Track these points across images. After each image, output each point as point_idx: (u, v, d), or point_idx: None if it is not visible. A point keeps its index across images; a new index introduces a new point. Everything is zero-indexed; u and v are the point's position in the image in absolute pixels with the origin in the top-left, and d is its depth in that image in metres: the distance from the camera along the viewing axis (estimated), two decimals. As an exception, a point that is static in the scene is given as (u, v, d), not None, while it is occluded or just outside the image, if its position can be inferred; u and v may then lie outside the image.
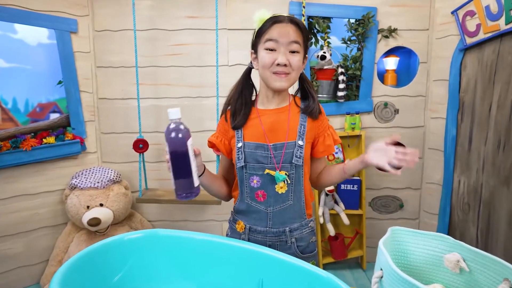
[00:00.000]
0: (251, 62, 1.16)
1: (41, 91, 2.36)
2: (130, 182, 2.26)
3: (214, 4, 1.97)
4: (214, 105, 2.02)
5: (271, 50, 1.04)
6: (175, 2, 2.16)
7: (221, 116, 1.20)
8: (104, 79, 2.22)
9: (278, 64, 1.04)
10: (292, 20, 1.05)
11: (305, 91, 1.17)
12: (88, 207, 1.98)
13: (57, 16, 2.03)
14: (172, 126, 0.91)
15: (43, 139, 2.03)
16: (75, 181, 2.04)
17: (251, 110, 1.15)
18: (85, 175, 2.09)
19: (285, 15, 1.06)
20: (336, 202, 2.26)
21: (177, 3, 2.16)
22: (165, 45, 2.19)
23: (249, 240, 1.16)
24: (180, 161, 0.88)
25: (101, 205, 2.01)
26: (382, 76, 2.32)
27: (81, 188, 2.02)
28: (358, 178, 2.26)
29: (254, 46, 1.11)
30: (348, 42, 2.24)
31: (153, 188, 2.22)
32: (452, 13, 2.04)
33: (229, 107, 1.17)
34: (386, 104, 2.26)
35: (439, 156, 2.21)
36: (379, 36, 2.19)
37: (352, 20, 2.19)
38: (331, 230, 2.22)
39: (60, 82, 2.18)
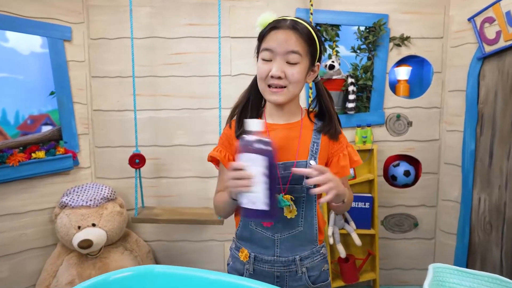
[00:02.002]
0: None
1: (33, 102, 2.23)
2: (126, 199, 2.12)
3: (216, 11, 1.86)
4: (216, 117, 1.89)
5: (267, 60, 0.93)
6: (175, 9, 2.05)
7: (226, 125, 1.08)
8: (99, 90, 2.09)
9: (272, 76, 0.92)
10: (293, 27, 0.91)
11: (322, 106, 1.03)
12: (79, 227, 1.83)
13: (50, 23, 1.91)
14: (259, 139, 0.82)
15: (32, 154, 1.89)
16: (66, 199, 1.89)
17: (259, 116, 1.03)
18: (77, 192, 1.94)
19: (289, 18, 0.93)
20: (346, 221, 2.10)
21: (178, 10, 2.05)
22: (164, 54, 2.07)
23: (254, 271, 1.03)
24: (273, 176, 0.81)
25: (94, 225, 1.85)
26: (393, 87, 2.20)
27: (72, 207, 1.87)
28: (370, 195, 2.11)
29: (257, 50, 0.99)
30: (358, 51, 2.12)
31: (150, 206, 2.06)
32: (468, 20, 1.92)
33: (235, 116, 1.05)
34: (398, 116, 2.13)
35: (456, 171, 2.07)
36: (391, 44, 2.08)
37: (362, 28, 2.08)
38: (341, 252, 2.06)
39: (52, 93, 2.05)
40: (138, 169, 1.92)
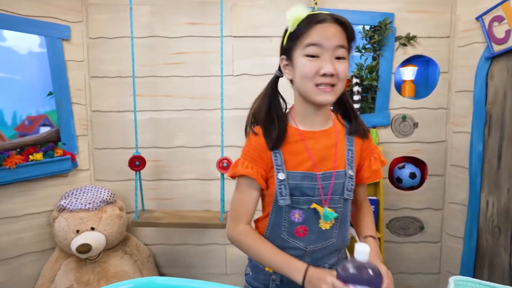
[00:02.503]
0: (279, 70, 0.97)
1: (31, 103, 2.18)
2: (126, 202, 2.07)
3: (218, 9, 1.82)
4: (218, 118, 1.85)
5: (314, 56, 0.85)
6: (176, 8, 2.01)
7: (247, 134, 0.98)
8: (99, 90, 2.05)
9: (323, 75, 0.84)
10: (337, 19, 0.85)
11: (345, 107, 0.97)
12: (78, 231, 1.78)
13: (48, 22, 1.87)
14: (368, 269, 0.71)
15: (30, 156, 1.84)
16: (64, 202, 1.84)
17: (287, 128, 0.94)
18: (76, 195, 1.90)
19: (326, 12, 0.86)
20: (351, 224, 2.05)
21: (179, 8, 2.01)
22: (165, 54, 2.03)
23: (281, 281, 0.97)
24: None
25: (93, 229, 1.81)
26: (399, 87, 2.15)
27: (71, 210, 1.82)
28: (375, 198, 2.07)
29: (287, 51, 0.91)
30: (363, 51, 2.07)
31: (150, 210, 2.02)
32: (476, 19, 1.88)
33: (254, 124, 0.96)
34: (404, 117, 2.09)
35: (463, 173, 2.02)
36: (397, 44, 2.03)
37: (367, 27, 2.04)
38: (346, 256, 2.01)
39: (50, 93, 2.01)
40: (138, 172, 1.87)
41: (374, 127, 2.05)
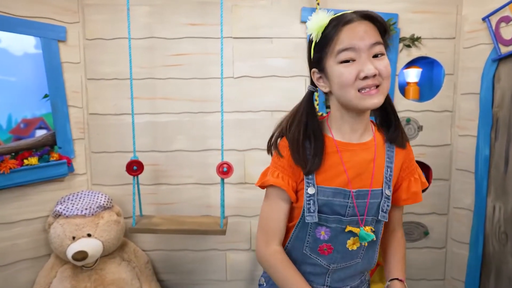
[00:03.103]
0: (312, 85, 0.90)
1: (27, 105, 2.13)
2: (123, 207, 2.02)
3: (218, 10, 1.77)
4: (218, 121, 1.80)
5: (348, 61, 0.79)
6: (175, 8, 1.96)
7: (273, 151, 0.91)
8: (96, 93, 2.00)
9: (365, 77, 0.78)
10: (365, 15, 0.80)
11: (387, 111, 0.89)
12: (73, 238, 1.73)
13: (43, 23, 1.82)
14: None
15: (24, 160, 1.79)
16: (60, 208, 1.79)
17: (325, 142, 0.87)
18: (72, 200, 1.85)
19: (350, 11, 0.81)
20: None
21: (178, 9, 1.96)
22: (163, 55, 1.98)
23: None
24: None
25: (89, 235, 1.76)
26: (402, 90, 2.11)
27: (66, 216, 1.77)
28: (379, 203, 2.02)
29: (317, 63, 0.85)
30: (366, 52, 2.03)
31: (149, 215, 1.97)
32: (483, 19, 1.84)
33: (282, 140, 0.89)
34: (408, 120, 2.04)
35: (469, 178, 1.97)
36: (401, 45, 1.99)
37: (371, 28, 1.99)
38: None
39: (46, 96, 1.96)
40: (136, 177, 1.82)
41: (377, 131, 2.01)
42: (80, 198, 1.87)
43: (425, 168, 2.11)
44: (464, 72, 1.99)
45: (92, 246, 1.72)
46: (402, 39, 1.98)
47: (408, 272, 2.14)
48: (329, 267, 0.89)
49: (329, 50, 0.80)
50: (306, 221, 0.86)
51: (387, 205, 0.87)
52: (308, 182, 0.85)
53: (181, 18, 1.96)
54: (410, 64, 2.05)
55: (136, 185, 1.85)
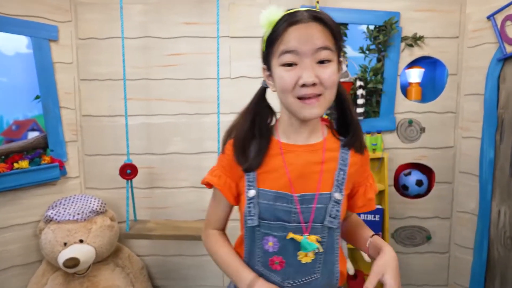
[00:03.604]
0: (264, 81, 0.84)
1: (18, 107, 2.08)
2: (118, 211, 1.97)
3: (215, 8, 1.71)
4: (214, 123, 1.74)
5: (291, 65, 0.73)
6: (170, 7, 1.90)
7: (222, 149, 0.88)
8: (89, 94, 1.94)
9: (304, 85, 0.72)
10: (315, 17, 0.72)
11: (344, 113, 0.84)
12: (65, 244, 1.68)
13: (34, 22, 1.76)
14: None
15: (15, 164, 1.74)
16: (51, 213, 1.73)
17: (270, 143, 0.83)
18: (64, 205, 1.79)
19: (304, 9, 0.74)
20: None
21: (173, 7, 1.90)
22: (159, 55, 1.92)
23: None
24: None
25: (81, 241, 1.70)
26: (404, 90, 2.05)
27: (58, 221, 1.72)
28: (380, 207, 1.96)
29: (266, 59, 0.79)
30: (367, 52, 1.97)
31: (143, 220, 1.91)
32: (488, 18, 1.78)
33: (232, 139, 0.85)
34: (411, 122, 1.98)
35: (473, 181, 1.92)
36: (403, 44, 1.93)
37: (371, 27, 1.93)
38: (349, 268, 1.91)
39: (37, 97, 1.90)
40: (130, 180, 1.77)
41: (379, 132, 1.95)
42: (73, 202, 1.82)
43: (428, 171, 2.06)
44: (468, 72, 1.93)
45: (84, 252, 1.67)
46: (404, 38, 1.92)
47: (410, 277, 2.09)
48: (284, 284, 0.81)
49: (275, 49, 0.75)
50: (247, 225, 0.81)
51: (336, 210, 0.79)
52: (249, 185, 0.81)
53: (176, 17, 1.91)
54: (412, 64, 2.00)
55: (130, 189, 1.79)
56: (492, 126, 1.81)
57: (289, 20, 0.72)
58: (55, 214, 1.73)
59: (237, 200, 0.87)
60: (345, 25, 1.94)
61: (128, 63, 1.78)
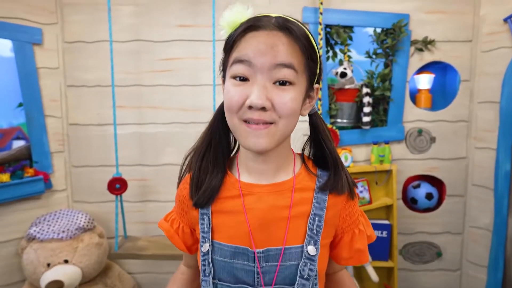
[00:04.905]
0: None
1: (2, 114, 1.96)
2: (108, 225, 1.84)
3: (211, 10, 1.60)
4: (210, 134, 1.62)
5: (242, 79, 0.59)
6: (163, 8, 1.78)
7: (178, 183, 0.74)
8: (76, 101, 1.82)
9: (250, 107, 0.57)
10: (283, 26, 0.58)
11: (320, 148, 0.67)
12: (48, 264, 1.55)
13: (15, 24, 1.64)
14: None
15: (-6, 177, 1.61)
16: (34, 231, 1.61)
17: (225, 178, 0.67)
18: (48, 221, 1.67)
19: (274, 15, 0.61)
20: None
21: (166, 9, 1.78)
22: (151, 60, 1.80)
23: None
24: None
25: (66, 261, 1.58)
26: (413, 97, 1.93)
27: (41, 240, 1.59)
28: (387, 222, 1.84)
29: (223, 68, 0.66)
30: (374, 56, 1.85)
31: (134, 237, 1.79)
32: (504, 20, 1.66)
33: (187, 170, 0.71)
34: (420, 131, 1.86)
35: (487, 195, 1.80)
36: (412, 48, 1.81)
37: (379, 30, 1.81)
38: (355, 288, 1.79)
39: (20, 105, 1.77)
40: (119, 196, 1.64)
41: (386, 143, 1.83)
42: (58, 218, 1.69)
43: (438, 184, 1.93)
44: (482, 78, 1.81)
45: (69, 274, 1.54)
46: (413, 42, 1.80)
47: (420, 296, 1.97)
48: None
49: (230, 57, 0.61)
50: (202, 285, 0.66)
51: (310, 269, 0.62)
52: (203, 236, 0.66)
53: (170, 19, 1.79)
54: (422, 70, 1.88)
55: (119, 205, 1.67)
56: (509, 136, 1.69)
57: (250, 24, 0.59)
58: (38, 232, 1.60)
59: (195, 248, 0.73)
60: (351, 28, 1.82)
61: (118, 68, 1.67)
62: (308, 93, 0.63)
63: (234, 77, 0.59)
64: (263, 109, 0.57)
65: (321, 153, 0.68)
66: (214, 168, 0.67)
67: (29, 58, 1.69)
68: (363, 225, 0.70)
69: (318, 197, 0.65)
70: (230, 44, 0.60)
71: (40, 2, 1.71)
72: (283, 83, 0.58)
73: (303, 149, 0.71)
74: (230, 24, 0.61)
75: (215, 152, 0.67)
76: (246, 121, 0.59)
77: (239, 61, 0.58)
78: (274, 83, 0.58)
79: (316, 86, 0.64)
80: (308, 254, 0.63)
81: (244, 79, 0.58)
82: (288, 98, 0.58)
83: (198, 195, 0.66)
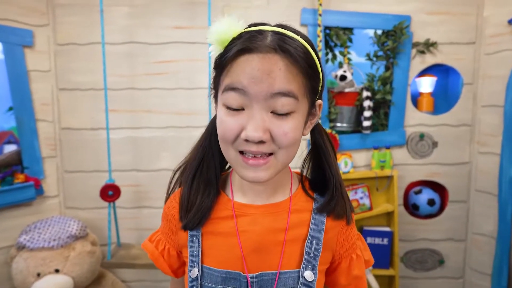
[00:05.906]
0: None
1: (-7, 118, 1.91)
2: (101, 232, 1.79)
3: (207, 11, 1.55)
4: (206, 139, 1.57)
5: (235, 109, 0.53)
6: (158, 9, 1.73)
7: (166, 199, 0.70)
8: (69, 105, 1.77)
9: (247, 140, 0.52)
10: (279, 47, 0.51)
11: (322, 167, 0.62)
12: (38, 274, 1.50)
13: (5, 26, 1.59)
14: None
15: (-17, 184, 1.56)
16: (24, 239, 1.56)
17: (218, 198, 0.62)
18: (39, 229, 1.61)
19: (268, 30, 0.53)
20: None
21: (161, 10, 1.74)
22: (146, 62, 1.76)
23: None
24: None
25: (57, 271, 1.52)
26: (415, 101, 1.88)
27: (31, 249, 1.54)
28: (389, 229, 1.79)
29: (214, 87, 0.58)
30: (374, 59, 1.81)
31: (128, 244, 1.74)
32: (509, 22, 1.62)
33: (177, 186, 0.67)
34: (422, 136, 1.82)
35: (491, 201, 1.75)
36: (414, 51, 1.77)
37: (379, 32, 1.77)
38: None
39: (10, 109, 1.73)
40: (112, 202, 1.59)
41: (387, 148, 1.78)
42: (49, 226, 1.64)
43: (440, 189, 1.89)
44: (485, 82, 1.77)
45: (59, 284, 1.50)
46: (415, 44, 1.76)
47: (422, 305, 1.92)
48: None
49: (221, 79, 0.54)
50: None
51: None
52: (192, 260, 0.61)
53: (165, 21, 1.74)
54: (423, 72, 1.83)
55: (112, 212, 1.62)
56: (513, 141, 1.65)
57: (242, 45, 0.51)
58: (28, 241, 1.55)
59: (181, 272, 0.68)
60: (350, 29, 1.77)
61: (111, 71, 1.62)
62: (311, 112, 0.58)
63: (227, 107, 0.53)
64: (261, 142, 0.52)
65: (322, 176, 0.62)
66: (206, 187, 0.62)
67: (19, 60, 1.64)
68: (360, 250, 0.65)
69: (316, 219, 0.61)
70: (222, 66, 0.54)
71: (31, 3, 1.66)
72: (283, 114, 0.52)
73: (302, 166, 0.65)
74: (219, 41, 0.54)
75: (207, 170, 0.62)
76: (242, 152, 0.54)
77: (232, 88, 0.52)
78: (272, 112, 0.52)
79: (318, 102, 0.59)
80: (305, 279, 0.58)
81: (237, 108, 0.53)
82: (288, 128, 0.53)
83: (188, 217, 0.60)
